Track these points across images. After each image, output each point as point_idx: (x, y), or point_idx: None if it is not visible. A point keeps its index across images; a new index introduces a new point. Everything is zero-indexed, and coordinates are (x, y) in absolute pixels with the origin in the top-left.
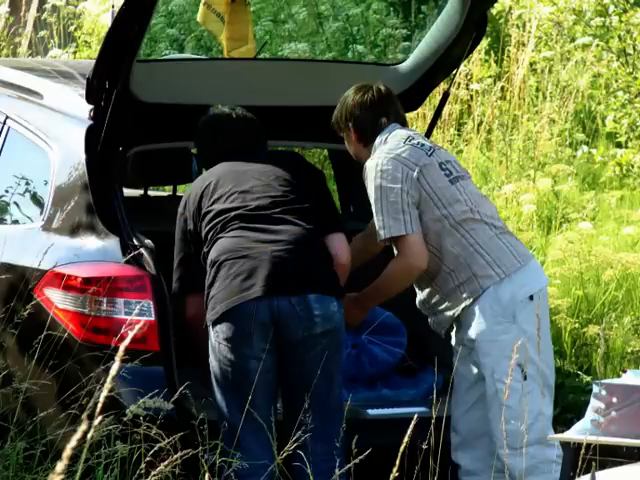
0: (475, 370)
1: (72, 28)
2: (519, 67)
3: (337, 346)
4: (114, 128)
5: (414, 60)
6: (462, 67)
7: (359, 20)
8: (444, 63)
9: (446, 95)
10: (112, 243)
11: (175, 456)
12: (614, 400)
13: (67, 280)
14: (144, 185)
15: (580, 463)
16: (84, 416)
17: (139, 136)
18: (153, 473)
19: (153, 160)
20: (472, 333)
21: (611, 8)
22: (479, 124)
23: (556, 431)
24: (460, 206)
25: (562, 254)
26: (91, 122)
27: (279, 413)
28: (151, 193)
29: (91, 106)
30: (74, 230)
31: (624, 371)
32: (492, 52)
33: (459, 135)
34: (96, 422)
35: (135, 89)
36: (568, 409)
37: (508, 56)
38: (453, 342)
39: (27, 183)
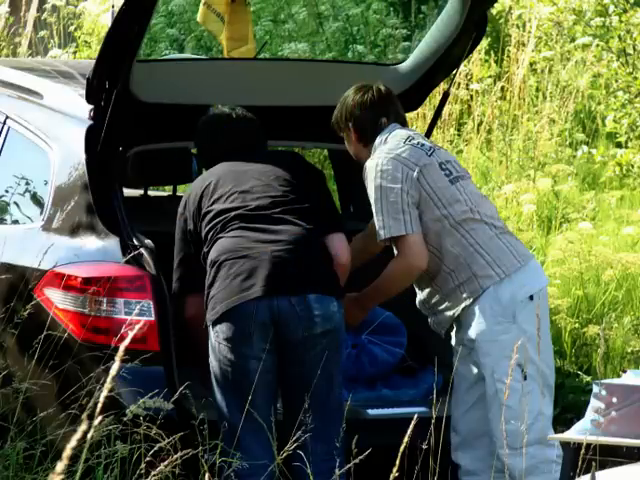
0: (475, 370)
1: (72, 28)
2: (519, 67)
3: (337, 346)
4: (114, 128)
5: (414, 60)
6: (462, 67)
7: (359, 20)
8: (444, 63)
9: (446, 95)
10: (112, 243)
11: (175, 456)
12: (614, 400)
13: (67, 280)
14: (144, 185)
15: (580, 463)
16: (84, 416)
17: (139, 136)
18: (153, 473)
19: (153, 160)
20: (472, 333)
21: (611, 8)
22: (479, 124)
23: (556, 431)
24: (460, 206)
25: (562, 254)
26: (91, 122)
27: (279, 413)
28: (151, 193)
29: (91, 106)
30: (74, 230)
31: (624, 371)
32: (492, 52)
33: (459, 135)
34: (96, 422)
35: (135, 89)
36: (568, 409)
37: (508, 56)
38: (453, 342)
39: (27, 183)
